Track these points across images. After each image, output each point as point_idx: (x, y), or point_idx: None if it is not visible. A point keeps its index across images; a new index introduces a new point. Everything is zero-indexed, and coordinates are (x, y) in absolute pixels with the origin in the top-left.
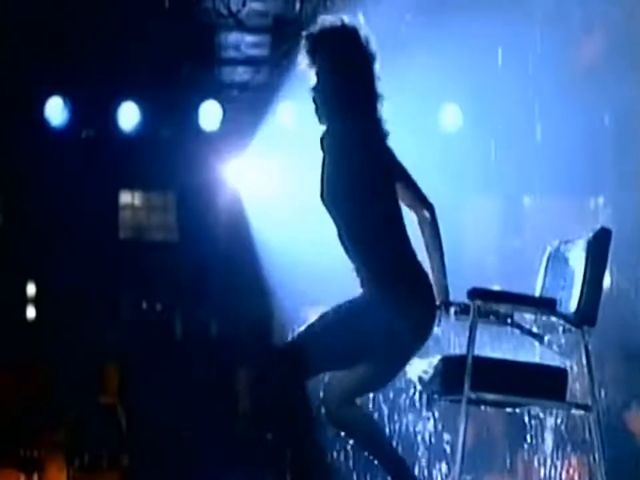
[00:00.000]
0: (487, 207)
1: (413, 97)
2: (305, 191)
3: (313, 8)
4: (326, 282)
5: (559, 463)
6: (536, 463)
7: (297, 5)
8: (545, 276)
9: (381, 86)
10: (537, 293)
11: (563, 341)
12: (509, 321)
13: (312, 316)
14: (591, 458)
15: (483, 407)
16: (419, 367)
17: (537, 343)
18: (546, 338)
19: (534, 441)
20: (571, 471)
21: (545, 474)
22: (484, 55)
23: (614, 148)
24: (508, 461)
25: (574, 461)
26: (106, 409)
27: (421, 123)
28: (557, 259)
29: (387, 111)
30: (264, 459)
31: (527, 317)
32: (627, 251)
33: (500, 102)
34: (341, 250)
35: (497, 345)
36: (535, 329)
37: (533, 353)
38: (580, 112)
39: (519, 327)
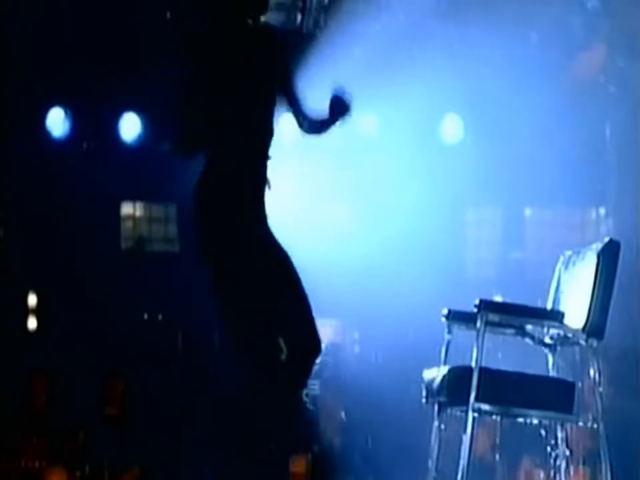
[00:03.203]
0: (488, 218)
1: (414, 109)
2: (306, 201)
3: (314, 20)
4: (327, 292)
5: (561, 475)
6: (538, 475)
7: (298, 17)
8: (557, 286)
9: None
10: (549, 303)
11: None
12: (514, 332)
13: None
14: (597, 470)
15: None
16: (428, 376)
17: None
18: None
19: (538, 452)
20: None
21: None
22: (485, 66)
23: (615, 158)
24: (510, 472)
25: (579, 472)
26: (109, 420)
27: (422, 135)
28: (568, 270)
29: (389, 123)
30: (269, 467)
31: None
32: (629, 262)
33: (501, 113)
34: (342, 260)
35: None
36: (547, 340)
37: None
38: (581, 122)
39: (531, 337)
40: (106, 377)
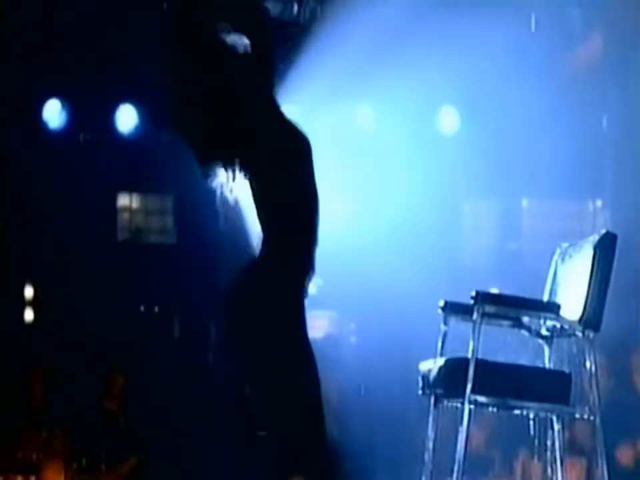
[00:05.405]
0: (484, 210)
1: (411, 100)
2: None
3: (311, 10)
4: (324, 284)
5: (557, 467)
6: (535, 466)
7: (295, 8)
8: (554, 278)
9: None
10: (545, 296)
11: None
12: (511, 323)
13: (311, 318)
14: (594, 462)
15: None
16: (424, 368)
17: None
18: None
19: (533, 444)
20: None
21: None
22: (481, 57)
23: (612, 150)
24: (507, 464)
25: (575, 464)
26: (108, 413)
27: (419, 126)
28: (565, 262)
29: (385, 114)
30: (268, 462)
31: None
32: (626, 254)
33: (497, 105)
34: (338, 252)
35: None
36: (543, 332)
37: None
38: (578, 114)
39: (528, 329)
40: (106, 371)
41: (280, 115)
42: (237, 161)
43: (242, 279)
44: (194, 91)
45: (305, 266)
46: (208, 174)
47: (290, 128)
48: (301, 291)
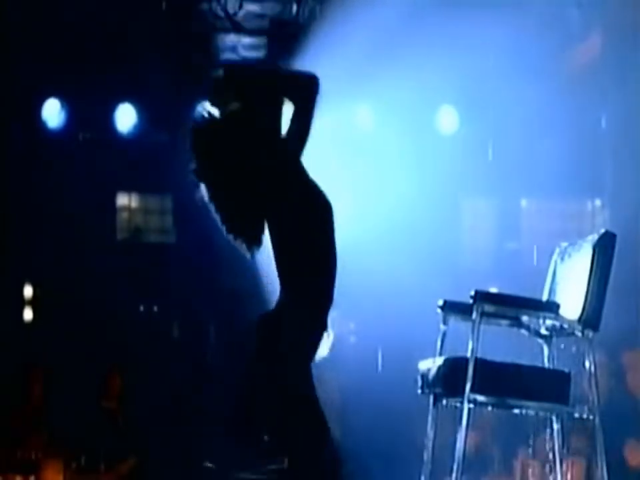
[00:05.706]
0: (483, 209)
1: (410, 99)
2: None
3: (309, 10)
4: None
5: (557, 466)
6: (534, 466)
7: (294, 7)
8: (553, 278)
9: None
10: (545, 295)
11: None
12: (510, 323)
13: None
14: (593, 462)
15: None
16: (424, 367)
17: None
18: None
19: (533, 443)
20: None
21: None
22: (481, 57)
23: (611, 149)
24: (506, 463)
25: (574, 464)
26: (107, 412)
27: (418, 126)
28: (564, 261)
29: (385, 114)
30: (268, 462)
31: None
32: (625, 253)
33: (496, 104)
34: (339, 253)
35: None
36: (542, 331)
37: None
38: (577, 114)
39: (527, 329)
40: (105, 371)
41: (304, 177)
42: (263, 221)
43: (260, 332)
44: (225, 153)
45: (319, 327)
46: (234, 233)
47: (314, 190)
48: (313, 351)
